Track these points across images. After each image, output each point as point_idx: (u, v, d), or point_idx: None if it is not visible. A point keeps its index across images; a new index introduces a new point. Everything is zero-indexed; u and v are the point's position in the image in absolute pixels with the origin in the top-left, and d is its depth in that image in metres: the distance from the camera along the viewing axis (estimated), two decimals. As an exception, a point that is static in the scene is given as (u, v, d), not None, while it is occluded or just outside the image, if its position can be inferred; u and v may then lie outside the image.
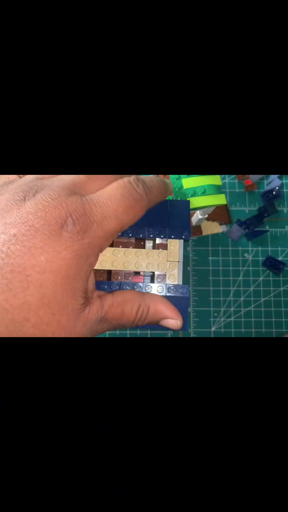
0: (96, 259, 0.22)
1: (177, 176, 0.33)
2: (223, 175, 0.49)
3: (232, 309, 0.44)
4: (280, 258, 0.46)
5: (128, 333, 0.44)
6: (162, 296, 0.26)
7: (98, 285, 0.28)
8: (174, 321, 0.25)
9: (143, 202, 0.24)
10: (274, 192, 0.46)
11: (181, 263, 0.29)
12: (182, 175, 0.33)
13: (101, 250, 0.22)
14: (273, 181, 0.46)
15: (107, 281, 0.28)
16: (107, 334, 0.44)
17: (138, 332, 0.44)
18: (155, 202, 0.26)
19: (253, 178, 0.48)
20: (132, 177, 0.25)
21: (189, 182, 0.32)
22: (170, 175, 0.33)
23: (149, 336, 0.44)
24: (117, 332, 0.44)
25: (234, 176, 0.49)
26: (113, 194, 0.23)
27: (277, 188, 0.45)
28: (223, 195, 0.33)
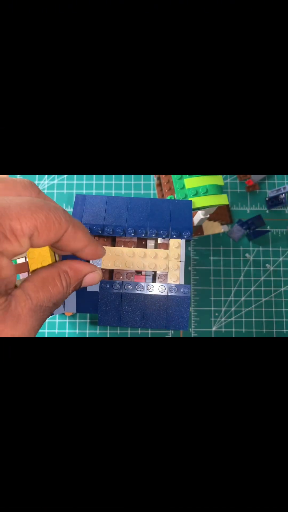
0: (2, 254, 0.19)
1: (179, 176, 0.32)
2: (224, 175, 0.49)
3: (233, 309, 0.44)
4: (281, 259, 0.46)
5: (129, 333, 0.44)
6: (78, 260, 0.25)
7: (101, 284, 0.28)
8: (94, 273, 0.25)
9: (60, 218, 0.21)
10: (279, 199, 0.46)
11: (183, 262, 0.29)
12: (184, 175, 0.33)
13: (6, 245, 0.19)
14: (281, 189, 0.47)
15: (109, 280, 0.28)
16: (107, 334, 0.44)
17: (139, 331, 0.44)
18: (76, 238, 0.23)
19: (255, 178, 0.48)
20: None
21: (191, 182, 0.32)
22: (172, 175, 0.33)
23: (149, 336, 0.44)
24: (118, 331, 0.44)
25: (235, 176, 0.49)
26: (22, 198, 0.21)
27: (283, 195, 0.46)
28: (225, 195, 0.33)
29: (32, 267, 0.24)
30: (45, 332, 0.43)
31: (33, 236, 0.20)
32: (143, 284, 0.28)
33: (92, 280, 0.26)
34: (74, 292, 0.28)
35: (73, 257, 0.24)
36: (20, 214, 0.19)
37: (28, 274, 0.27)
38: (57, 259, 0.26)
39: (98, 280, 0.26)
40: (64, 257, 0.27)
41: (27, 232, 0.20)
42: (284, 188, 0.46)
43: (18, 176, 0.47)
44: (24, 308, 0.20)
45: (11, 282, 0.21)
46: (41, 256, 0.24)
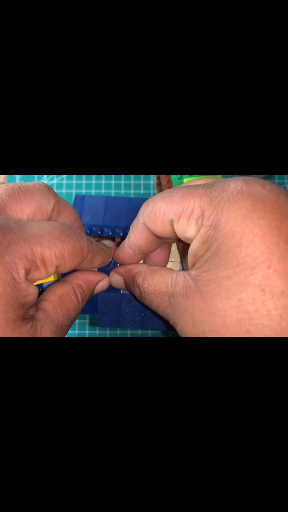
0: (27, 278, 0.19)
1: (179, 176, 0.32)
2: (224, 176, 0.49)
3: (232, 309, 0.44)
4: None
5: (128, 333, 0.44)
6: (86, 270, 0.25)
7: None
8: (104, 281, 0.26)
9: (83, 247, 0.21)
10: None
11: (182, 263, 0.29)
12: (184, 175, 0.33)
13: (29, 271, 0.19)
14: None
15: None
16: (107, 335, 0.44)
17: (139, 332, 0.44)
18: (93, 262, 0.23)
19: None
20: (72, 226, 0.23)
21: (191, 182, 0.32)
22: (172, 175, 0.33)
23: (149, 336, 0.44)
24: (118, 331, 0.44)
25: (235, 176, 0.49)
26: (51, 223, 0.21)
27: None
28: (224, 195, 0.33)
29: None
30: (44, 332, 0.42)
31: (59, 265, 0.20)
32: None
33: (102, 288, 0.26)
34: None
35: None
36: (51, 244, 0.19)
37: None
38: (59, 275, 0.26)
39: (107, 286, 0.26)
40: None
41: (56, 262, 0.20)
42: (285, 188, 0.46)
43: (18, 176, 0.47)
44: (47, 331, 0.20)
45: (34, 304, 0.21)
46: None
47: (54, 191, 0.24)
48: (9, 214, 0.21)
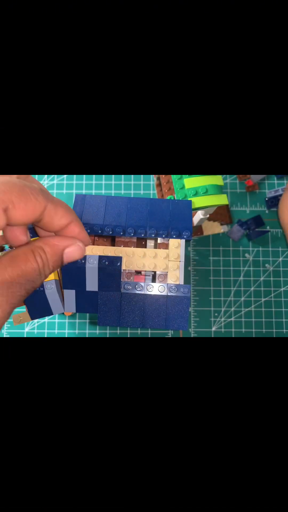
0: None
1: (179, 175, 0.32)
2: (224, 176, 0.49)
3: (232, 309, 0.44)
4: (280, 259, 0.46)
5: (128, 333, 0.44)
6: (56, 235, 0.24)
7: None
8: (75, 247, 0.24)
9: (37, 194, 0.21)
10: (278, 199, 0.46)
11: (183, 262, 0.29)
12: (184, 175, 0.33)
13: None
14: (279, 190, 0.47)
15: (109, 281, 0.28)
16: (107, 334, 0.44)
17: (139, 332, 0.44)
18: (56, 215, 0.22)
19: (254, 178, 0.48)
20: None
21: (191, 182, 0.32)
22: (172, 175, 0.33)
23: (149, 336, 0.44)
24: (118, 332, 0.44)
25: (235, 176, 0.49)
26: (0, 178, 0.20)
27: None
28: (225, 195, 0.33)
29: None
30: (44, 332, 0.43)
31: (8, 209, 0.20)
32: (142, 284, 0.28)
33: (73, 254, 0.24)
34: (74, 292, 0.28)
35: None
36: None
37: None
38: (59, 272, 0.25)
39: (81, 254, 0.24)
40: None
41: (2, 205, 0.19)
42: (283, 189, 0.46)
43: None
44: None
45: None
46: None
47: (32, 177, 0.23)
48: None
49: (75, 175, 0.48)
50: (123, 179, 0.49)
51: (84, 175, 0.49)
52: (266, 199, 0.47)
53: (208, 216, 0.39)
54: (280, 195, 0.46)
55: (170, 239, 0.29)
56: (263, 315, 0.44)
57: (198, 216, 0.39)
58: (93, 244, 0.29)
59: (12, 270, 0.21)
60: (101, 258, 0.27)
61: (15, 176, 0.23)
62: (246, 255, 0.46)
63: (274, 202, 0.47)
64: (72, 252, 0.24)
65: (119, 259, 0.27)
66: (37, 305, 0.28)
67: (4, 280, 0.20)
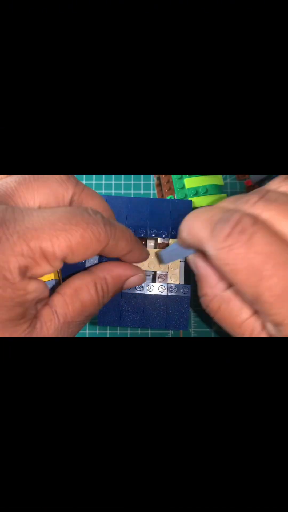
0: (25, 276, 0.17)
1: (179, 175, 0.32)
2: (224, 176, 0.49)
3: (232, 309, 0.44)
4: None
5: (128, 333, 0.44)
6: (118, 262, 0.23)
7: None
8: (137, 277, 0.23)
9: (99, 234, 0.19)
10: None
11: (183, 262, 0.29)
12: (184, 175, 0.33)
13: (26, 269, 0.17)
14: None
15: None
16: (107, 334, 0.44)
17: (139, 332, 0.44)
18: (117, 249, 0.20)
19: (254, 178, 0.47)
20: (88, 207, 0.20)
21: (191, 181, 0.32)
22: (172, 175, 0.33)
23: (149, 336, 0.44)
24: (118, 331, 0.44)
25: (235, 176, 0.49)
26: (56, 210, 0.18)
27: None
28: (225, 195, 0.33)
29: None
30: (44, 332, 0.42)
31: (67, 258, 0.18)
32: (142, 284, 0.28)
33: (134, 284, 0.23)
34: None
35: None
36: (52, 235, 0.17)
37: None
38: (60, 274, 0.25)
39: (141, 282, 0.23)
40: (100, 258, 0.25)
41: (60, 256, 0.18)
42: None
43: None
44: (49, 329, 0.19)
45: (42, 299, 0.19)
46: None
47: (76, 178, 0.21)
48: (17, 203, 0.19)
49: (74, 175, 0.48)
50: (123, 179, 0.49)
51: (84, 175, 0.49)
52: None
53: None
54: None
55: (171, 239, 0.29)
56: (263, 315, 0.43)
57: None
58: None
59: (73, 308, 0.19)
60: (101, 258, 0.27)
61: (72, 187, 0.20)
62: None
63: None
64: (133, 282, 0.23)
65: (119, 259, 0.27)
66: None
67: (66, 321, 0.19)
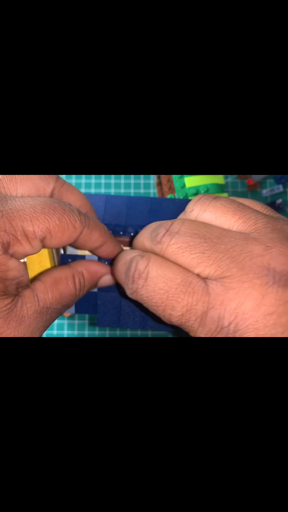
0: (7, 251, 0.19)
1: (179, 175, 0.32)
2: (225, 175, 0.49)
3: (233, 309, 0.44)
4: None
5: (128, 333, 0.44)
6: (95, 260, 0.25)
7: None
8: (109, 276, 0.25)
9: (75, 221, 0.20)
10: (276, 205, 0.46)
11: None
12: (184, 175, 0.32)
13: (8, 245, 0.19)
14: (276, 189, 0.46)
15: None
16: (107, 334, 0.44)
17: (139, 332, 0.44)
18: (91, 239, 0.22)
19: (255, 178, 0.47)
20: (66, 202, 0.22)
21: (192, 181, 0.32)
22: (172, 175, 0.33)
23: (149, 336, 0.44)
24: (117, 332, 0.44)
25: (236, 175, 0.49)
26: (37, 198, 0.20)
27: (280, 200, 0.45)
28: (226, 194, 0.33)
29: (30, 266, 0.24)
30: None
31: (45, 238, 0.20)
32: None
33: (107, 282, 0.25)
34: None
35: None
36: (33, 217, 0.19)
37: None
38: (56, 259, 0.26)
39: (112, 283, 0.25)
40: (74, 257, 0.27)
41: (39, 235, 0.19)
42: (278, 188, 0.46)
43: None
44: (29, 310, 0.20)
45: (22, 281, 0.20)
46: (39, 256, 0.24)
47: (58, 176, 0.23)
48: (1, 192, 0.21)
49: (75, 175, 0.48)
50: (123, 179, 0.49)
51: (84, 175, 0.49)
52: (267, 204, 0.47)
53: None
54: (276, 194, 0.46)
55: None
56: (264, 315, 0.43)
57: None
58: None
59: (52, 296, 0.21)
60: (100, 258, 0.27)
61: (52, 182, 0.22)
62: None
63: (273, 207, 0.47)
64: (107, 280, 0.25)
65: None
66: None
67: (45, 306, 0.21)
